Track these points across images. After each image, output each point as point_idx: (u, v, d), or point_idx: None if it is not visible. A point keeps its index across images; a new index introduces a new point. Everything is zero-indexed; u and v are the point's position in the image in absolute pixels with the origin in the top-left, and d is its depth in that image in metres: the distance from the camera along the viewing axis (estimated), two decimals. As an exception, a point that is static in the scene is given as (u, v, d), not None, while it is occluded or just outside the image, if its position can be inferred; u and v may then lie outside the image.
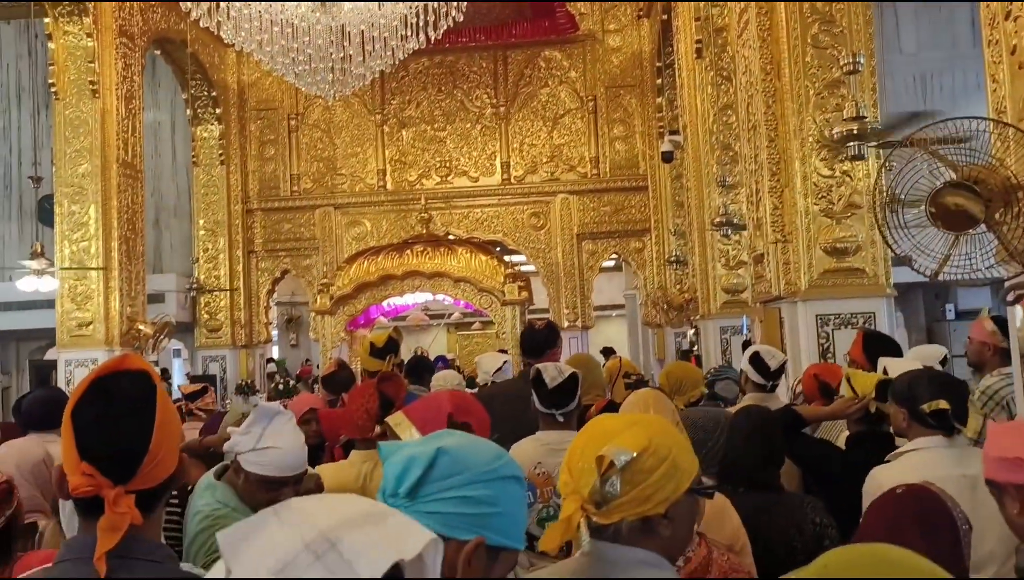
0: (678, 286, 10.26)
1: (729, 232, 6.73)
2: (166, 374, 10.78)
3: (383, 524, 0.78)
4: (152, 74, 12.19)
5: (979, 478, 1.87)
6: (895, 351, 3.22)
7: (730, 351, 7.61)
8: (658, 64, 10.89)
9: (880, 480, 2.21)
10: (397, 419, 2.11)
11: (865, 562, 0.84)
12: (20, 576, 1.30)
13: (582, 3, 11.61)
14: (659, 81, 11.03)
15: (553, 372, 2.68)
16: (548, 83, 11.80)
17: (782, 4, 4.95)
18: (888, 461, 2.30)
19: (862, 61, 3.68)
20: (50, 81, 8.41)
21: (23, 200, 12.35)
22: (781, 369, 3.64)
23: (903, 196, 2.88)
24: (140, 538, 1.16)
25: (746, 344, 6.49)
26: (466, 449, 1.15)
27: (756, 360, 3.57)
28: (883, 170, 2.90)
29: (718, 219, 6.70)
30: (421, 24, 6.60)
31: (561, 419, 2.69)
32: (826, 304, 4.77)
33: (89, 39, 8.34)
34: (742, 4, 5.41)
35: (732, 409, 3.01)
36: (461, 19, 6.65)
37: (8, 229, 12.40)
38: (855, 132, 3.59)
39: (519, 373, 3.64)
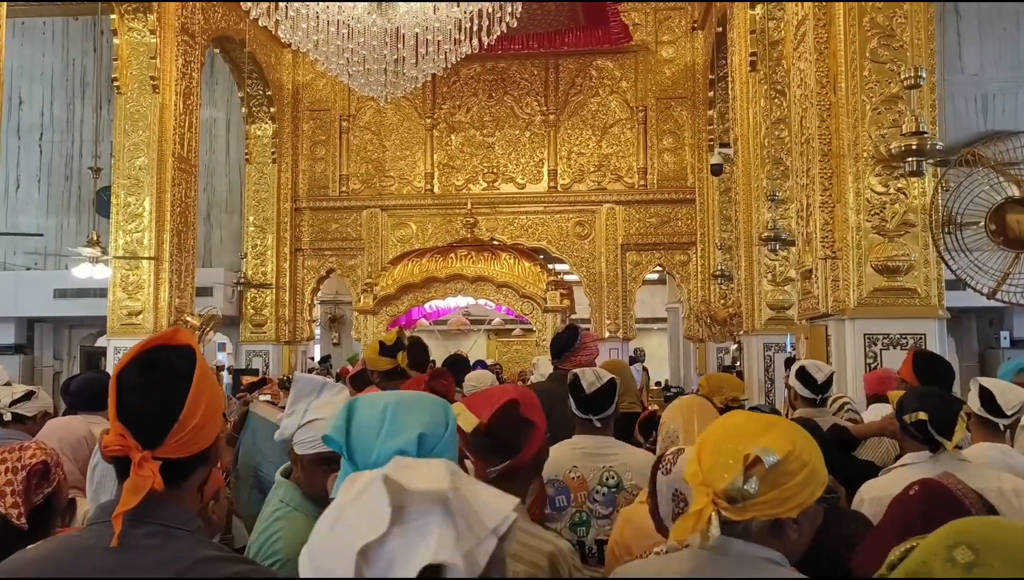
0: (722, 301, 10.13)
1: (777, 247, 6.62)
2: (221, 369, 10.99)
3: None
4: (210, 72, 12.46)
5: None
6: (947, 372, 3.12)
7: (773, 368, 7.49)
8: (711, 77, 10.80)
9: (862, 494, 2.32)
10: (458, 409, 2.11)
11: None
12: (51, 537, 1.33)
13: (637, 13, 11.58)
14: (711, 94, 10.94)
15: (591, 377, 2.67)
16: (599, 92, 11.77)
17: (841, 16, 4.87)
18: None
19: (923, 75, 3.59)
20: (113, 76, 8.65)
21: (82, 191, 12.68)
22: (829, 382, 3.57)
23: (961, 214, 2.80)
24: (173, 506, 1.19)
25: (790, 361, 6.37)
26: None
27: (803, 374, 3.52)
28: (939, 188, 2.81)
29: (766, 234, 6.60)
30: (475, 29, 6.64)
31: (599, 425, 2.67)
32: (875, 323, 4.66)
33: (152, 36, 8.57)
34: (799, 16, 5.33)
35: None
36: (515, 24, 6.68)
37: (67, 219, 12.75)
38: (914, 147, 3.50)
39: (549, 375, 3.68)
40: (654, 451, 2.67)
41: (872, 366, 4.67)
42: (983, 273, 2.38)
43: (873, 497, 2.26)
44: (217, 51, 10.79)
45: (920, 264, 4.64)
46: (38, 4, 12.78)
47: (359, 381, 4.46)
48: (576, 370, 2.75)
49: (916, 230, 4.69)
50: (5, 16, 6.18)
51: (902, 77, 3.74)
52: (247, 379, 5.33)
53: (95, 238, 7.30)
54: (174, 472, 1.18)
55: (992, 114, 11.11)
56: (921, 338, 4.58)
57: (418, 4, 6.37)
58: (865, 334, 4.65)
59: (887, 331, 4.64)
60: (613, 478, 2.63)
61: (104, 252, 7.43)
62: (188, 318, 8.75)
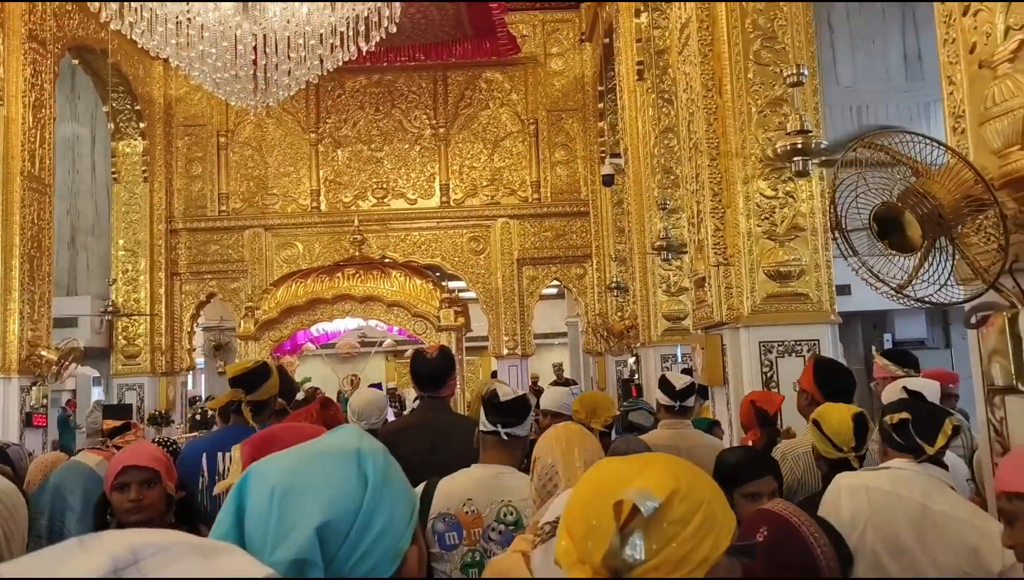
0: (619, 313, 10.04)
1: (670, 256, 6.50)
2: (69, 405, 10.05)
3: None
4: (71, 86, 11.56)
5: (933, 507, 2.00)
6: (849, 380, 2.98)
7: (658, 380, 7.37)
8: (600, 88, 10.76)
9: (839, 484, 2.18)
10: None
11: None
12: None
13: (524, 25, 11.46)
14: (601, 105, 10.91)
15: (505, 389, 2.43)
16: (489, 105, 11.57)
17: (724, 19, 4.77)
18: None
19: (806, 73, 3.48)
20: (-50, 87, 7.80)
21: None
22: (690, 389, 3.58)
23: (845, 214, 2.62)
24: None
25: (685, 373, 6.24)
26: (336, 497, 0.87)
27: (664, 383, 3.56)
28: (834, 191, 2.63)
29: (658, 243, 6.47)
30: (352, 35, 6.28)
31: (505, 438, 2.36)
32: (769, 330, 4.54)
33: (-6, 43, 7.77)
34: (683, 19, 5.22)
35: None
36: (395, 30, 6.36)
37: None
38: (799, 146, 3.36)
39: (421, 405, 3.24)
40: None
41: (768, 375, 4.54)
42: (883, 281, 2.18)
43: (851, 485, 2.14)
44: (76, 62, 9.98)
45: (811, 268, 4.56)
46: None
47: (227, 415, 3.95)
48: (496, 384, 2.47)
49: (805, 234, 4.62)
50: None
51: (785, 75, 3.62)
52: (108, 424, 4.71)
53: (-75, 267, 6.50)
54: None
55: (867, 124, 11.52)
56: (815, 344, 4.48)
57: (288, 8, 5.95)
58: (760, 342, 4.52)
59: (782, 338, 4.52)
60: (512, 514, 2.31)
61: (-63, 282, 6.63)
62: (44, 352, 7.94)
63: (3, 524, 1.62)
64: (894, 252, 2.23)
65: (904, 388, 2.64)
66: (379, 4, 6.06)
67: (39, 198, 8.17)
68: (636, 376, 8.42)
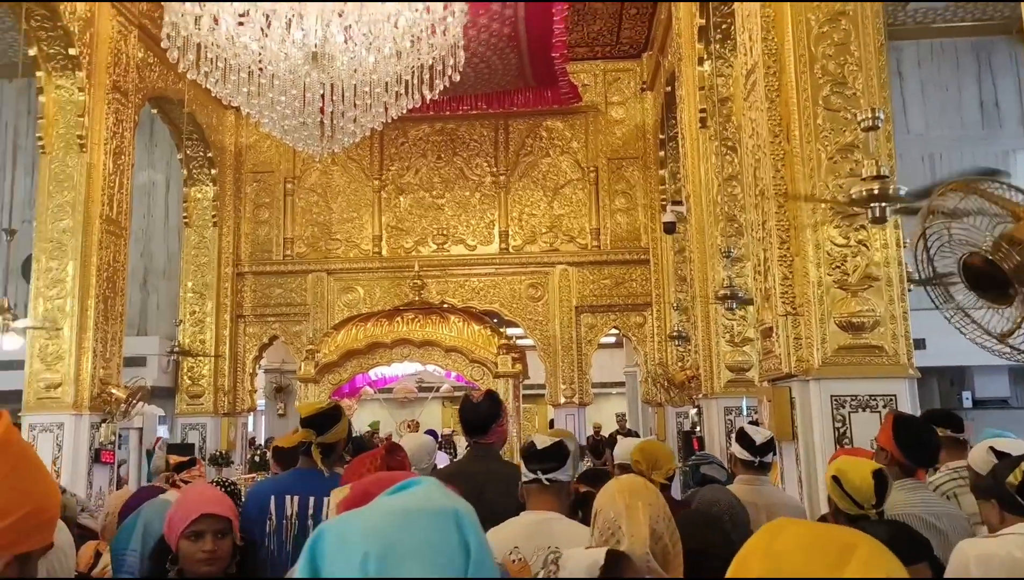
0: (680, 363, 9.84)
1: (734, 306, 6.34)
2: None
3: None
4: (150, 134, 12.06)
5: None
6: (932, 439, 2.80)
7: (735, 433, 7.13)
8: (661, 136, 10.74)
9: (966, 551, 2.04)
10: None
11: None
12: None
13: (586, 75, 11.55)
14: (662, 153, 10.87)
15: (542, 438, 2.43)
16: (549, 153, 11.63)
17: (791, 64, 4.70)
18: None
19: (882, 116, 3.37)
20: (38, 135, 8.19)
21: (11, 259, 12.05)
22: (770, 444, 3.43)
23: (932, 261, 2.49)
24: None
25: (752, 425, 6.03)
26: (437, 564, 0.79)
27: (742, 436, 3.39)
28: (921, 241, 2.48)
29: (722, 292, 6.32)
30: (415, 82, 6.38)
31: (547, 484, 2.32)
32: (842, 384, 4.35)
33: (81, 93, 8.16)
34: (749, 64, 5.16)
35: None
36: (458, 79, 6.45)
37: (-7, 287, 12.05)
38: (876, 192, 3.24)
39: (467, 454, 3.17)
40: None
41: (840, 431, 4.34)
42: (987, 334, 2.05)
43: (981, 554, 1.99)
44: (155, 111, 10.41)
45: (886, 320, 4.37)
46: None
47: (284, 456, 3.90)
48: (534, 435, 2.44)
49: (880, 285, 4.44)
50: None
51: (859, 119, 3.51)
52: (174, 459, 4.79)
53: (5, 305, 6.73)
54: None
55: (939, 173, 11.20)
56: (892, 399, 4.27)
57: (356, 57, 6.09)
58: (832, 395, 4.33)
59: (855, 392, 4.33)
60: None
61: (16, 319, 6.86)
62: (113, 390, 8.14)
63: (50, 563, 1.62)
64: (992, 303, 2.11)
65: (991, 449, 2.48)
66: (443, 53, 6.16)
67: (115, 241, 8.47)
68: (698, 428, 8.20)
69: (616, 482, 2.02)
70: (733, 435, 3.49)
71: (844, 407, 4.32)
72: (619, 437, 11.43)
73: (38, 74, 8.18)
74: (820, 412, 4.34)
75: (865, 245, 4.46)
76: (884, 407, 4.23)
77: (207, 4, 5.63)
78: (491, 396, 3.14)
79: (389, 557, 0.77)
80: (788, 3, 4.74)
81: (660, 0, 9.92)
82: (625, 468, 3.27)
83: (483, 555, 0.79)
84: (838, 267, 4.46)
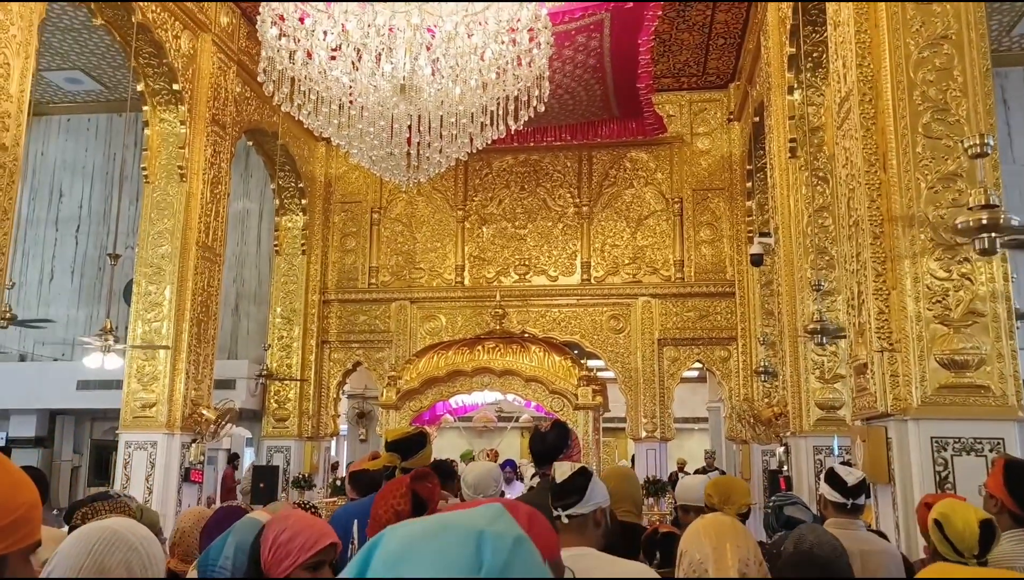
0: (766, 399, 9.52)
1: (825, 340, 6.08)
2: (235, 458, 10.54)
3: None
4: (245, 165, 12.56)
5: None
6: (1048, 486, 2.59)
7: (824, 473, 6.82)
8: (748, 167, 10.52)
9: None
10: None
11: None
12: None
13: (671, 105, 11.46)
14: (749, 184, 10.65)
15: (564, 468, 2.23)
16: (633, 184, 11.55)
17: (888, 91, 4.52)
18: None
19: (991, 143, 3.18)
20: (142, 165, 8.63)
21: (114, 283, 12.69)
22: (862, 486, 3.18)
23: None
24: None
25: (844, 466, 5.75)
26: (443, 575, 0.79)
27: (832, 477, 3.16)
28: None
29: (812, 326, 6.09)
30: (500, 114, 6.44)
31: (566, 521, 2.16)
32: (944, 425, 4.10)
33: (182, 126, 8.57)
34: (843, 92, 5.00)
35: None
36: (542, 110, 6.48)
37: (97, 310, 12.71)
38: (985, 222, 3.05)
39: (538, 485, 3.09)
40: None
41: (942, 475, 4.09)
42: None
43: None
44: (251, 143, 10.84)
45: (993, 358, 4.11)
46: (83, 102, 13.17)
47: (360, 482, 3.91)
48: (556, 464, 2.30)
49: (986, 320, 4.18)
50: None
51: (966, 146, 3.33)
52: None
53: (108, 327, 7.07)
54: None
55: (1048, 205, 10.58)
56: (999, 443, 4.00)
57: (443, 89, 6.20)
58: (932, 437, 4.08)
59: (958, 434, 4.07)
60: None
61: (117, 341, 7.19)
62: (204, 411, 8.41)
63: (140, 571, 1.64)
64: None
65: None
66: (528, 85, 6.21)
67: (210, 266, 8.80)
68: (785, 467, 7.88)
69: (702, 521, 1.93)
70: (822, 475, 3.29)
71: (946, 450, 4.07)
72: (679, 475, 11.08)
73: (144, 108, 8.64)
74: (919, 454, 4.09)
75: (969, 278, 4.22)
76: (991, 451, 3.96)
77: (301, 40, 5.84)
78: (559, 426, 3.08)
79: (402, 561, 0.81)
80: (886, 28, 4.59)
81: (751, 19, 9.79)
82: (686, 510, 3.12)
83: (496, 574, 0.80)
84: (939, 301, 4.23)
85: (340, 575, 0.84)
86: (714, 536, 1.86)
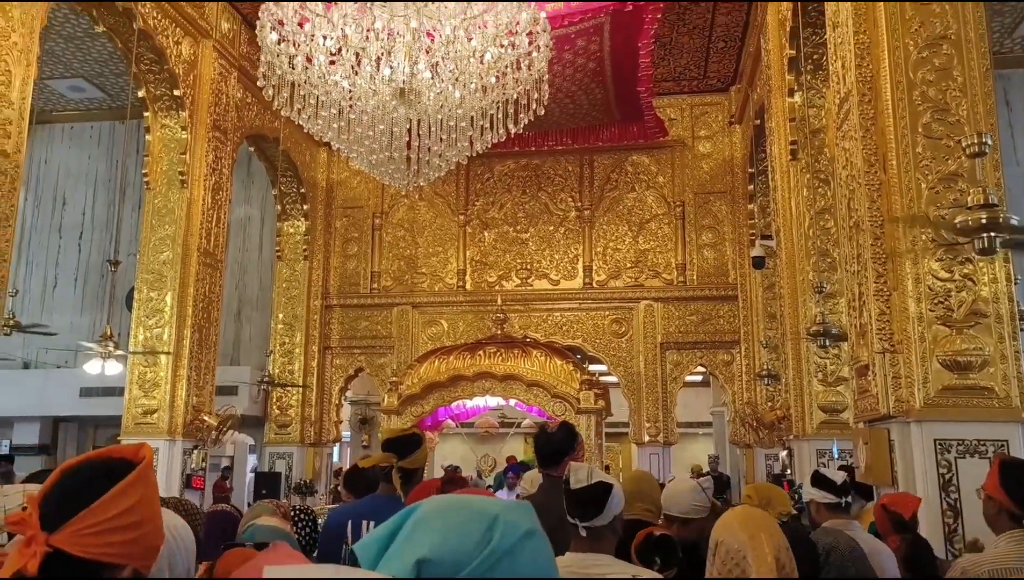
0: (770, 403, 9.49)
1: (827, 343, 6.05)
2: (227, 470, 10.48)
3: None
4: (247, 172, 12.57)
5: None
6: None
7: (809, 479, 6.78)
8: (750, 170, 10.51)
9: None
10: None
11: None
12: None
13: (672, 109, 11.45)
14: (751, 187, 10.63)
15: (580, 474, 2.17)
16: (635, 187, 11.54)
17: (888, 92, 4.50)
18: None
19: (989, 142, 3.16)
20: (143, 172, 8.64)
21: (116, 290, 12.70)
22: (850, 482, 3.23)
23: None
24: None
25: (846, 470, 5.72)
26: (449, 542, 0.86)
27: (820, 480, 3.19)
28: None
29: (814, 328, 6.06)
30: (501, 118, 6.43)
31: (584, 534, 2.12)
32: (947, 427, 4.07)
33: (184, 132, 8.58)
34: (842, 93, 4.99)
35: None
36: (543, 113, 6.47)
37: (100, 317, 12.71)
38: (984, 221, 3.03)
39: (540, 485, 3.08)
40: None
41: (946, 477, 4.05)
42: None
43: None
44: (252, 149, 10.85)
45: (996, 359, 4.07)
46: (86, 110, 13.20)
47: (355, 483, 3.88)
48: (572, 463, 2.27)
49: (988, 321, 4.15)
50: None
51: (964, 145, 3.31)
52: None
53: (108, 333, 7.07)
54: (62, 569, 1.04)
55: (1052, 206, 10.55)
56: (1003, 445, 3.96)
57: (442, 93, 6.19)
58: (936, 439, 4.05)
59: (961, 436, 4.03)
60: None
61: (117, 347, 7.19)
62: (205, 417, 8.39)
63: (170, 557, 1.68)
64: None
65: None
66: (528, 88, 6.20)
67: (211, 273, 8.80)
68: (788, 471, 7.85)
69: (733, 513, 1.95)
70: (806, 482, 3.29)
71: (949, 452, 4.04)
72: (667, 484, 10.89)
73: (145, 114, 8.65)
74: (923, 456, 4.06)
75: (971, 279, 4.20)
76: (994, 452, 3.93)
77: (301, 44, 5.84)
78: (566, 427, 3.06)
79: (420, 523, 0.87)
80: (884, 28, 4.57)
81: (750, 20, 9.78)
82: (682, 523, 3.03)
83: (500, 557, 0.84)
84: (941, 302, 4.21)
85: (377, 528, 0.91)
86: (751, 525, 1.87)
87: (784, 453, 8.30)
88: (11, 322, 6.52)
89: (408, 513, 0.90)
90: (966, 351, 4.11)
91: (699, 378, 13.39)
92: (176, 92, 8.47)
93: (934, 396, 4.11)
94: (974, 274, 4.19)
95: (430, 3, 5.77)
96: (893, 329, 4.38)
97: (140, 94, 8.49)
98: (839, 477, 3.21)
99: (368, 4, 5.72)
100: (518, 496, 3.49)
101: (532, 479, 3.62)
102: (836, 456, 6.75)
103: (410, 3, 5.77)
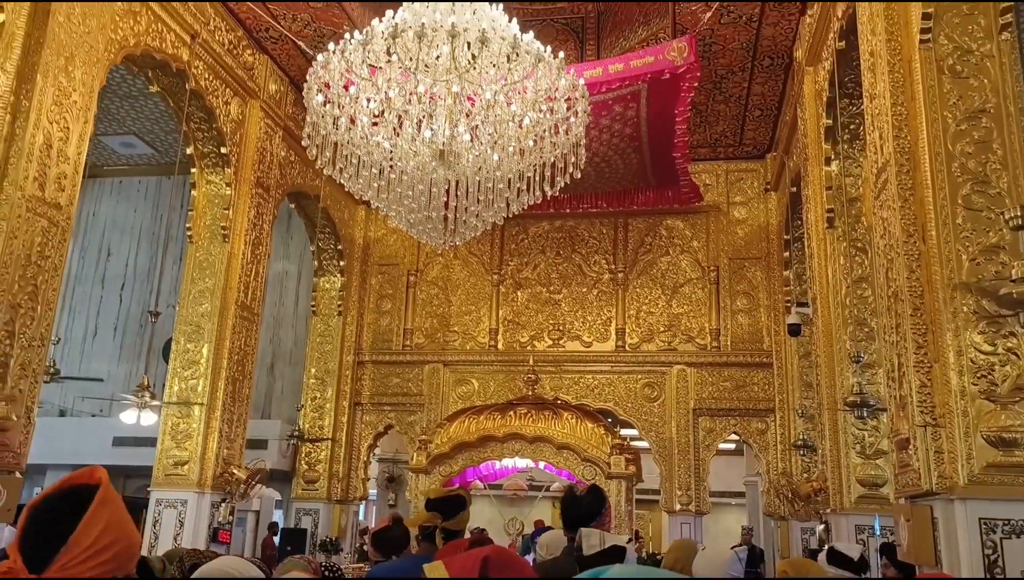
0: (805, 474, 9.25)
1: (865, 414, 5.94)
2: (275, 526, 10.49)
3: None
4: (287, 227, 12.83)
5: None
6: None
7: (868, 554, 6.55)
8: (785, 237, 10.47)
9: None
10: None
11: None
12: None
13: (708, 175, 11.52)
14: (786, 254, 10.58)
15: (594, 539, 2.13)
16: (669, 251, 11.55)
17: (927, 162, 4.50)
18: None
19: (1032, 215, 3.14)
20: (187, 225, 8.86)
21: (154, 340, 12.91)
22: (866, 560, 3.20)
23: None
24: None
25: (886, 548, 5.53)
26: None
27: (836, 556, 3.10)
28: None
29: (851, 399, 5.95)
30: (537, 180, 6.52)
31: None
32: (993, 506, 3.94)
33: (228, 188, 8.82)
34: (880, 164, 4.99)
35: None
36: (579, 176, 6.54)
37: (137, 367, 12.92)
38: (1028, 295, 2.99)
39: (564, 549, 3.03)
40: None
41: (991, 558, 3.90)
42: None
43: None
44: (293, 206, 11.09)
45: (1043, 436, 3.96)
46: (135, 165, 13.65)
47: (384, 543, 3.83)
48: (583, 529, 2.24)
49: (1034, 396, 4.05)
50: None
51: (1007, 217, 3.29)
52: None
53: (145, 383, 7.17)
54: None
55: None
56: (1051, 526, 3.82)
57: (481, 155, 6.31)
58: (981, 518, 3.92)
59: (1008, 516, 3.90)
60: None
61: (153, 397, 7.27)
62: (235, 470, 8.40)
63: None
64: None
65: None
66: (565, 152, 6.29)
67: (248, 326, 8.92)
68: (826, 546, 7.59)
69: (787, 562, 1.91)
70: (822, 558, 3.21)
71: (995, 532, 3.90)
72: (699, 553, 10.56)
73: (192, 170, 8.92)
74: (967, 536, 3.93)
75: (1015, 353, 4.11)
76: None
77: (345, 106, 6.01)
78: (595, 491, 3.02)
79: None
80: (922, 102, 4.59)
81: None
82: None
83: None
84: (984, 376, 4.12)
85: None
86: (803, 572, 1.84)
87: (821, 527, 8.05)
88: (52, 370, 6.64)
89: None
90: (1012, 427, 4.01)
91: (732, 446, 13.13)
92: (223, 149, 8.73)
93: (978, 473, 3.99)
94: (1018, 348, 4.11)
95: (472, 69, 5.92)
96: (935, 402, 4.29)
97: (188, 151, 8.77)
98: (855, 552, 3.12)
99: (412, 69, 5.88)
100: (534, 561, 3.43)
101: (548, 543, 3.53)
102: (878, 532, 6.54)
103: (452, 68, 5.93)
